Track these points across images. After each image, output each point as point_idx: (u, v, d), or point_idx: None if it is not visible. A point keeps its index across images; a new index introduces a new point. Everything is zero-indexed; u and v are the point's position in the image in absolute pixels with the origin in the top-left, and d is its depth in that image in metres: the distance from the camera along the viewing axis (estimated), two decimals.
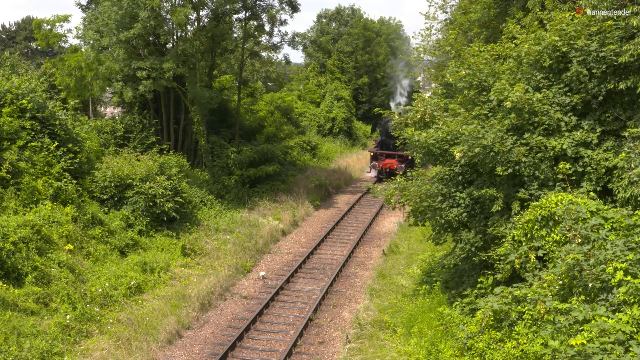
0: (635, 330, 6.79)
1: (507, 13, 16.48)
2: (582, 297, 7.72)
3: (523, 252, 9.55)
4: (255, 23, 28.09)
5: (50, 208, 16.07)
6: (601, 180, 10.42)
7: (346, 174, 35.26)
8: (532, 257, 9.43)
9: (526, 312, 8.41)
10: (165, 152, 24.46)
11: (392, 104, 42.55)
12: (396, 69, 61.01)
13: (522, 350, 8.27)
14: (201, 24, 26.29)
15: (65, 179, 17.65)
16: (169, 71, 23.91)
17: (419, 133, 11.64)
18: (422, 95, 13.98)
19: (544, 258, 9.46)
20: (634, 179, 9.40)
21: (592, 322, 6.88)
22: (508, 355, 8.44)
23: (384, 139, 34.77)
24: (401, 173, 30.21)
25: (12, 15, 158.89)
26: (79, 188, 18.36)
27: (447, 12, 22.87)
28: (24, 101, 18.40)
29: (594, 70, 10.56)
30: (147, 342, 12.80)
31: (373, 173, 34.98)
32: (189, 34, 26.63)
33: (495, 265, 10.35)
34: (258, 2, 27.73)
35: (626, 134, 10.15)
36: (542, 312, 7.79)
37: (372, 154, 35.47)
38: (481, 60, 12.24)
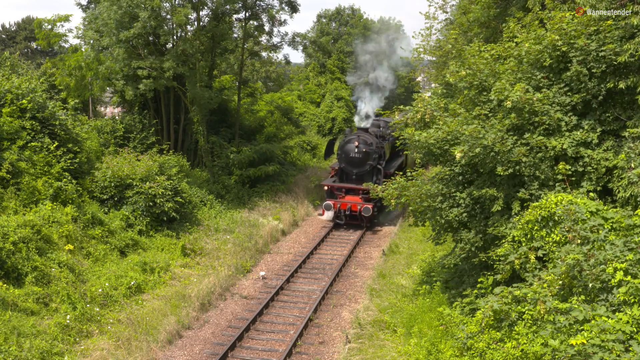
0: (635, 330, 6.79)
1: (507, 13, 16.47)
2: (582, 297, 7.72)
3: (523, 253, 9.55)
4: (255, 23, 28.07)
5: (50, 208, 16.06)
6: (601, 180, 10.42)
7: None
8: (532, 257, 9.43)
9: (526, 312, 8.41)
10: (165, 152, 24.46)
11: (356, 117, 28.73)
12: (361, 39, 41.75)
13: (522, 350, 8.26)
14: (201, 23, 26.29)
15: (65, 179, 17.64)
16: (169, 71, 23.91)
17: (419, 133, 11.65)
18: (422, 95, 13.97)
19: (544, 258, 9.46)
20: (634, 179, 9.40)
21: (592, 322, 6.88)
22: (508, 355, 8.44)
23: (345, 167, 24.37)
24: (368, 215, 22.85)
25: (12, 15, 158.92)
26: (79, 188, 18.35)
27: (447, 12, 22.85)
28: (24, 101, 18.40)
29: (594, 70, 10.56)
30: (147, 342, 12.80)
31: (328, 215, 24.18)
32: (189, 33, 26.63)
33: (495, 265, 10.34)
34: (258, 2, 27.73)
35: (626, 134, 10.15)
36: (542, 312, 7.79)
37: (326, 188, 24.54)
38: (481, 61, 12.24)
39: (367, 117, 30.07)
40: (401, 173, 14.72)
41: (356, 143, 23.88)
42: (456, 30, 17.05)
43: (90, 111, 31.38)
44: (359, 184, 23.45)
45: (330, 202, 23.53)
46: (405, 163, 29.37)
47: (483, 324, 8.93)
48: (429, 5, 44.46)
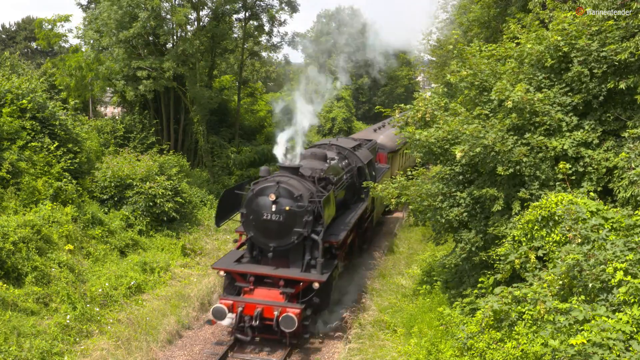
0: (635, 330, 6.79)
1: (507, 13, 16.50)
2: (582, 297, 7.71)
3: (523, 252, 9.54)
4: (255, 23, 28.13)
5: (50, 208, 16.06)
6: (601, 181, 10.42)
7: None
8: (532, 257, 9.43)
9: (526, 312, 8.41)
10: (165, 152, 24.47)
11: (277, 150, 15.69)
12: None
13: (522, 350, 8.26)
14: (201, 24, 26.31)
15: (65, 179, 17.64)
16: (168, 71, 23.93)
17: (420, 132, 11.64)
18: (422, 94, 13.97)
19: (544, 258, 9.46)
20: (634, 179, 9.40)
21: (592, 322, 6.88)
22: (508, 355, 8.44)
23: (255, 237, 13.45)
24: (291, 330, 12.22)
25: (12, 15, 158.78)
26: (79, 188, 18.35)
27: (447, 12, 22.89)
28: (24, 101, 18.40)
29: (595, 71, 10.56)
30: (147, 342, 12.79)
31: (228, 320, 12.89)
32: (189, 33, 26.65)
33: (496, 265, 10.34)
34: (258, 2, 27.76)
35: (626, 134, 10.15)
36: (542, 312, 7.79)
37: (223, 273, 13.73)
38: (482, 61, 12.24)
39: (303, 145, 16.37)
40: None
41: (272, 197, 12.84)
42: (455, 32, 17.06)
43: (90, 111, 31.40)
44: (279, 267, 13.19)
45: (223, 305, 12.56)
46: (370, 212, 19.24)
47: (483, 324, 8.93)
48: (431, 2, 44.50)
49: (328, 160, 16.47)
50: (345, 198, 16.63)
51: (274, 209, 13.01)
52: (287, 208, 12.94)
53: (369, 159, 18.61)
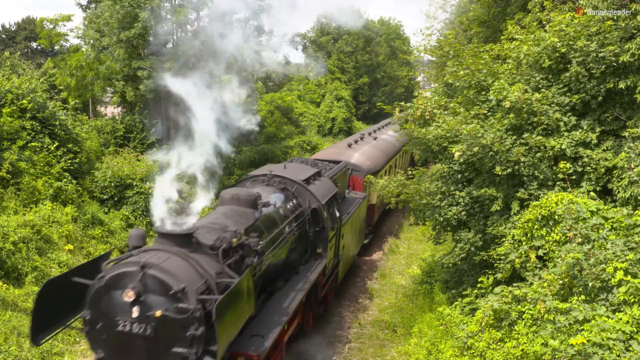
0: (635, 330, 6.79)
1: (507, 12, 16.49)
2: (582, 296, 7.71)
3: (523, 252, 9.54)
4: (255, 23, 28.18)
5: (50, 208, 16.07)
6: (601, 180, 10.41)
7: None
8: (532, 256, 9.43)
9: (526, 311, 8.41)
10: (165, 152, 24.43)
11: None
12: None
13: (522, 350, 8.26)
14: (201, 23, 26.34)
15: (65, 179, 17.65)
16: (169, 71, 23.94)
17: (418, 130, 11.63)
18: (422, 93, 13.97)
19: (544, 258, 9.45)
20: (634, 179, 9.39)
21: (592, 322, 6.88)
22: (508, 355, 8.44)
23: (108, 359, 7.26)
24: None
25: (12, 15, 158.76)
26: (79, 188, 18.36)
27: (447, 12, 22.89)
28: (24, 101, 18.41)
29: (594, 71, 10.55)
30: None
31: None
32: (189, 33, 26.68)
33: (496, 264, 10.34)
34: (258, 2, 27.82)
35: (626, 134, 10.14)
36: (542, 311, 7.79)
37: None
38: (480, 61, 12.23)
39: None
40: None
41: (130, 295, 6.95)
42: (454, 31, 17.06)
43: (90, 111, 31.39)
44: None
45: None
46: (333, 269, 13.79)
47: (483, 324, 8.92)
48: (430, 5, 44.55)
49: (259, 206, 10.20)
50: (288, 260, 11.31)
51: (135, 315, 7.24)
52: (158, 314, 7.14)
53: (331, 194, 13.15)
